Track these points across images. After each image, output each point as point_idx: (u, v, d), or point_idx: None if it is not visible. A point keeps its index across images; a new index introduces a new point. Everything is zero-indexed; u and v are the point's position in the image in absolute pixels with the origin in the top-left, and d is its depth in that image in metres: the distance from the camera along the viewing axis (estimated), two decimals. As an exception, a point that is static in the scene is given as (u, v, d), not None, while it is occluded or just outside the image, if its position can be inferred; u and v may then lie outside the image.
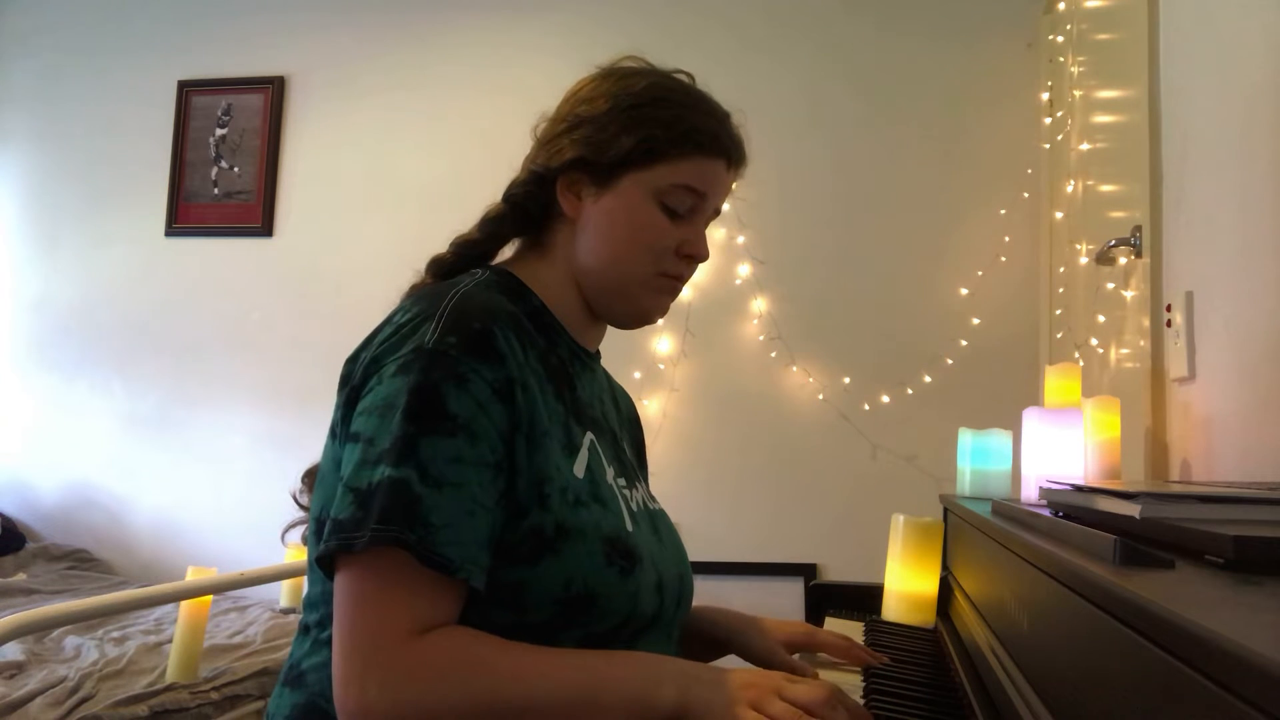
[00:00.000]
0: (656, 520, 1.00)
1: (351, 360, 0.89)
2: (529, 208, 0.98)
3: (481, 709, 0.75)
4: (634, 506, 0.95)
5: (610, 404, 1.07)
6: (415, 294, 0.92)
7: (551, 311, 0.97)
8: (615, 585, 0.86)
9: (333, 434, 0.88)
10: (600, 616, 0.85)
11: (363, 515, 0.76)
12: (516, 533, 0.82)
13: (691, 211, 0.97)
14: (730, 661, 0.94)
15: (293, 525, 1.00)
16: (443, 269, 1.00)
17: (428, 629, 0.76)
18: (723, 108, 1.01)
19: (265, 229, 3.37)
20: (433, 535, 0.76)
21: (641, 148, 0.94)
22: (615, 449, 1.01)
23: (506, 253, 1.04)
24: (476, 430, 0.80)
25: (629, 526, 0.91)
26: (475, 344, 0.82)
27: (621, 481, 0.96)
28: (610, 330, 1.06)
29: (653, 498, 1.05)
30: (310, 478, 0.99)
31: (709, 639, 1.09)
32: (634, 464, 1.07)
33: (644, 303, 0.99)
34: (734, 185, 1.03)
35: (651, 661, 0.82)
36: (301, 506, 0.99)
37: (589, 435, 0.94)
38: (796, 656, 1.08)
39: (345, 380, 0.88)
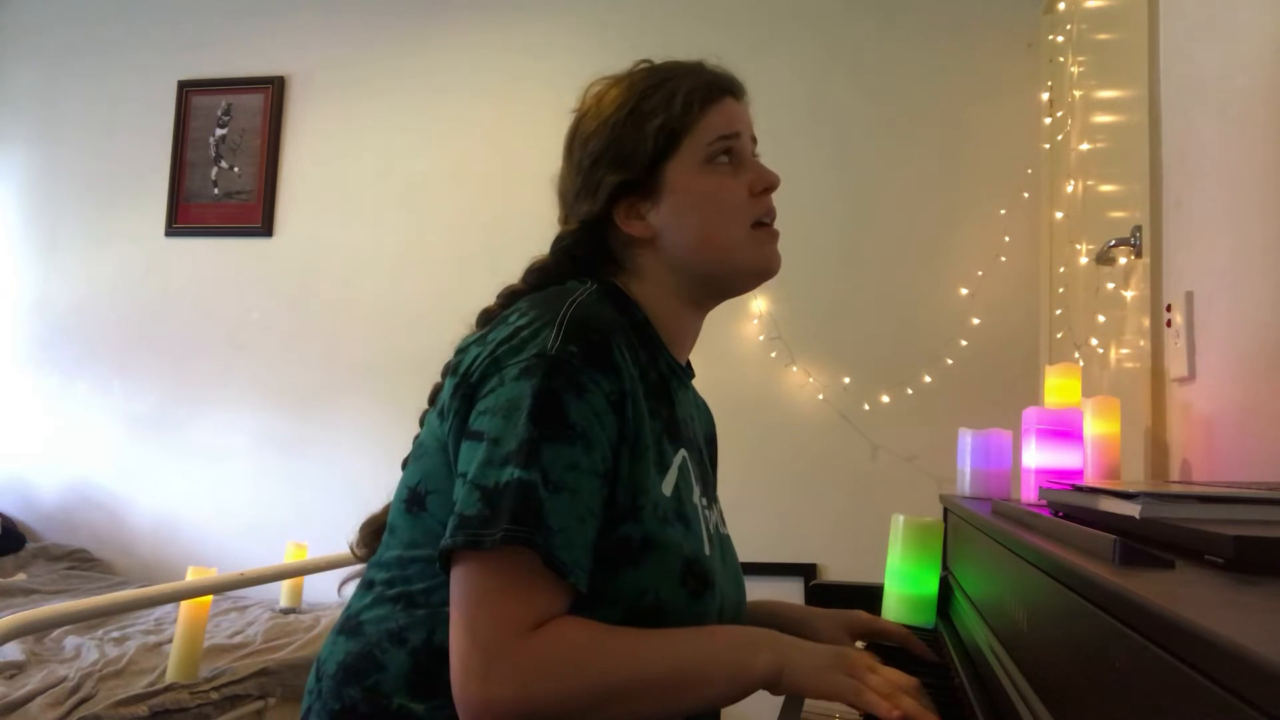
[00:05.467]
0: (724, 545, 1.02)
1: (461, 350, 0.92)
2: (585, 254, 1.00)
3: (598, 691, 0.79)
4: (711, 529, 0.97)
5: (697, 421, 1.09)
6: (529, 298, 0.93)
7: (654, 326, 0.99)
8: (685, 605, 0.88)
9: (441, 414, 0.90)
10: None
11: (491, 514, 0.78)
12: (607, 540, 0.85)
13: (738, 155, 0.99)
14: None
15: (348, 579, 1.01)
16: (491, 319, 0.99)
17: (541, 625, 0.79)
18: (689, 61, 1.03)
19: (265, 229, 3.37)
20: (552, 539, 0.78)
21: (661, 136, 0.96)
22: (701, 467, 1.02)
23: None
24: (592, 439, 0.83)
25: (707, 550, 0.93)
26: (594, 354, 0.84)
27: (704, 502, 0.98)
28: None
29: (723, 522, 1.06)
30: (367, 529, 1.01)
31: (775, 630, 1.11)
32: (711, 482, 1.09)
33: (756, 257, 1.00)
34: (752, 116, 1.04)
35: (748, 631, 0.86)
36: (358, 558, 1.01)
37: (682, 453, 0.96)
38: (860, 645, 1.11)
39: (455, 368, 0.90)
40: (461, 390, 0.87)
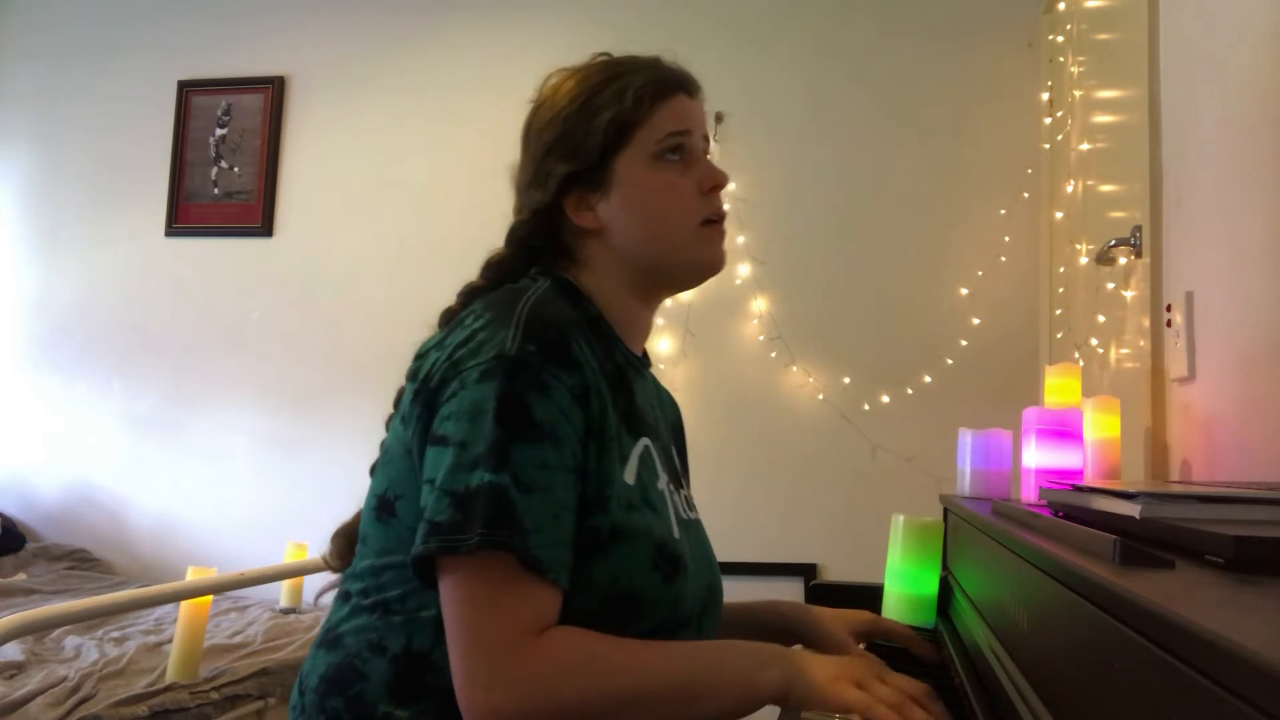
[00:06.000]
0: (691, 530, 1.02)
1: (420, 356, 0.92)
2: (539, 244, 1.01)
3: (603, 701, 0.79)
4: (679, 514, 0.98)
5: (658, 410, 1.09)
6: (484, 298, 0.94)
7: (607, 320, 1.00)
8: (658, 589, 0.88)
9: (404, 420, 0.90)
10: (640, 617, 0.88)
11: (463, 519, 0.78)
12: (578, 532, 0.85)
13: (688, 152, 1.00)
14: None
15: (326, 589, 1.02)
16: (452, 318, 1.00)
17: (542, 629, 0.80)
18: (646, 56, 1.03)
19: (265, 229, 3.37)
20: (528, 539, 0.78)
21: (611, 130, 0.97)
22: (665, 455, 1.03)
23: None
24: (560, 436, 0.83)
25: (676, 534, 0.93)
26: (554, 352, 0.85)
27: (670, 488, 0.99)
28: None
29: (691, 506, 1.06)
30: (340, 539, 1.01)
31: (777, 630, 1.12)
32: (679, 469, 1.10)
33: (701, 255, 1.01)
34: (707, 115, 1.06)
35: (756, 647, 0.86)
36: (332, 568, 1.01)
37: (643, 441, 0.96)
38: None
39: (414, 374, 0.90)
40: (422, 396, 0.87)
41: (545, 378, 0.83)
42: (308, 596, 2.76)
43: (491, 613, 0.78)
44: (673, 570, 0.90)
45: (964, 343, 2.82)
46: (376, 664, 0.85)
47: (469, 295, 1.00)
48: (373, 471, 0.96)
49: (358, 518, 0.99)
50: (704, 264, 1.01)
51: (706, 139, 1.04)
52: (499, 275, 1.01)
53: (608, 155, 0.97)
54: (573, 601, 0.83)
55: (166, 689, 1.94)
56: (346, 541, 1.00)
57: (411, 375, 0.91)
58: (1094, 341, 2.01)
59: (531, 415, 0.82)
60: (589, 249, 1.00)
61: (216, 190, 3.43)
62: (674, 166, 0.98)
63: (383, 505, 0.90)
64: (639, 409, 0.98)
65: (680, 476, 1.08)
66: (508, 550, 0.77)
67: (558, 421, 0.83)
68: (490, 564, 0.78)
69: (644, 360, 1.07)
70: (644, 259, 0.99)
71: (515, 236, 1.02)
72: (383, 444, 0.95)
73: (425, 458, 0.85)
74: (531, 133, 1.02)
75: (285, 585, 2.74)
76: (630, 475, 0.91)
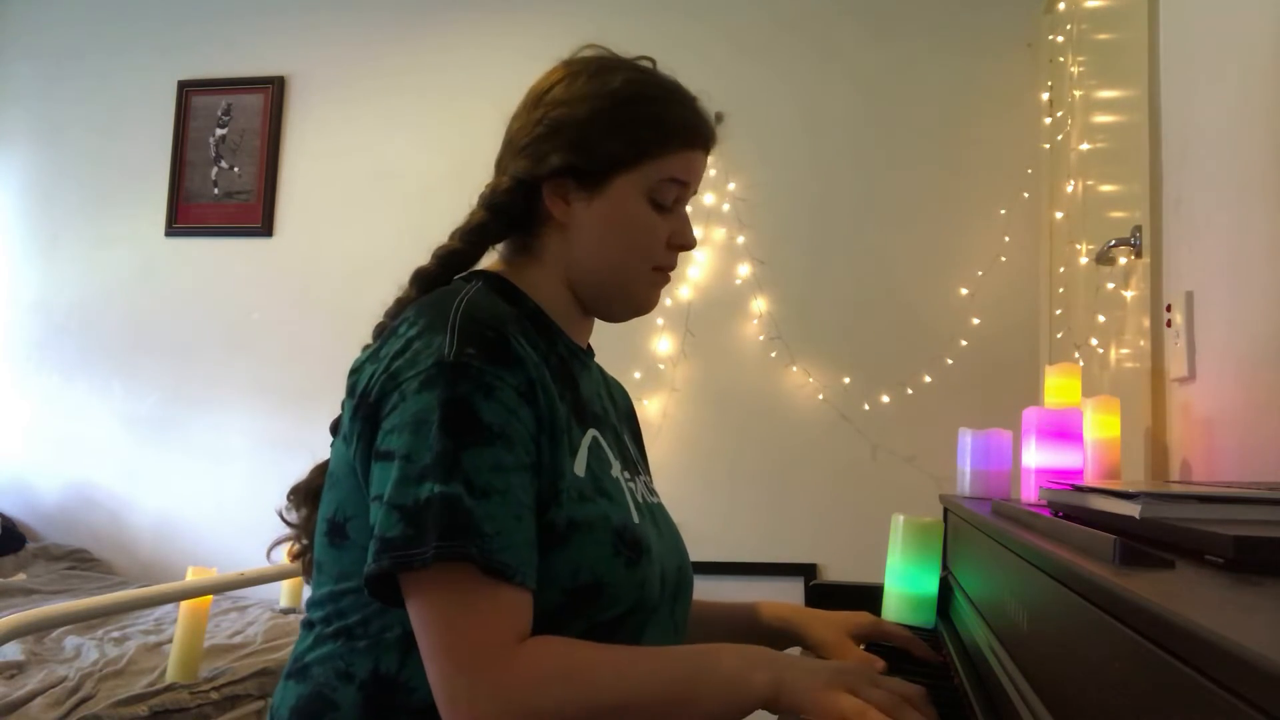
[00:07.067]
0: (655, 513, 1.01)
1: (355, 371, 0.90)
2: (512, 214, 0.99)
3: (589, 709, 0.77)
4: (638, 499, 0.97)
5: (608, 399, 1.08)
6: (415, 305, 0.91)
7: (546, 313, 0.98)
8: (622, 575, 0.87)
9: (345, 440, 0.88)
10: (607, 605, 0.87)
11: (415, 533, 0.76)
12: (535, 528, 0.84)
13: (676, 202, 0.99)
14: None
15: (278, 543, 1.02)
16: (428, 281, 0.99)
17: (519, 635, 0.78)
18: (690, 92, 1.02)
19: (265, 229, 3.37)
20: (489, 544, 0.76)
21: (630, 151, 0.95)
22: (619, 444, 1.02)
23: (488, 257, 1.04)
24: (512, 436, 0.81)
25: (635, 519, 0.92)
26: (495, 352, 0.83)
27: (626, 475, 0.98)
28: (610, 329, 1.08)
29: (652, 491, 1.06)
30: (297, 495, 1.00)
31: (774, 632, 1.11)
32: (635, 456, 1.08)
33: (641, 298, 1.01)
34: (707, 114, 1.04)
35: (745, 650, 0.84)
36: (288, 523, 1.01)
37: (591, 432, 0.95)
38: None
39: (352, 390, 0.88)
40: (362, 411, 0.85)
41: (488, 379, 0.81)
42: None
43: (464, 625, 0.76)
44: (635, 554, 0.88)
45: (964, 343, 2.82)
46: (346, 692, 0.84)
47: (402, 303, 0.98)
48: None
49: (315, 473, 0.98)
50: (639, 305, 1.02)
51: (694, 194, 1.03)
52: (470, 244, 0.99)
53: (613, 169, 0.95)
54: (537, 597, 0.82)
55: (166, 689, 1.94)
56: (303, 496, 0.99)
57: (349, 392, 0.89)
58: (1094, 341, 2.01)
59: (479, 418, 0.80)
60: (546, 238, 0.99)
61: (216, 190, 3.43)
62: (659, 210, 0.98)
63: (333, 529, 0.88)
64: (585, 400, 0.98)
65: (637, 464, 1.06)
66: (467, 560, 0.75)
67: (507, 421, 0.81)
68: (453, 576, 0.76)
69: (588, 352, 1.05)
70: (591, 276, 0.98)
71: (492, 201, 0.98)
72: (329, 471, 0.93)
73: (371, 474, 0.83)
74: (546, 100, 0.98)
75: (285, 585, 2.74)
76: (580, 467, 0.90)
